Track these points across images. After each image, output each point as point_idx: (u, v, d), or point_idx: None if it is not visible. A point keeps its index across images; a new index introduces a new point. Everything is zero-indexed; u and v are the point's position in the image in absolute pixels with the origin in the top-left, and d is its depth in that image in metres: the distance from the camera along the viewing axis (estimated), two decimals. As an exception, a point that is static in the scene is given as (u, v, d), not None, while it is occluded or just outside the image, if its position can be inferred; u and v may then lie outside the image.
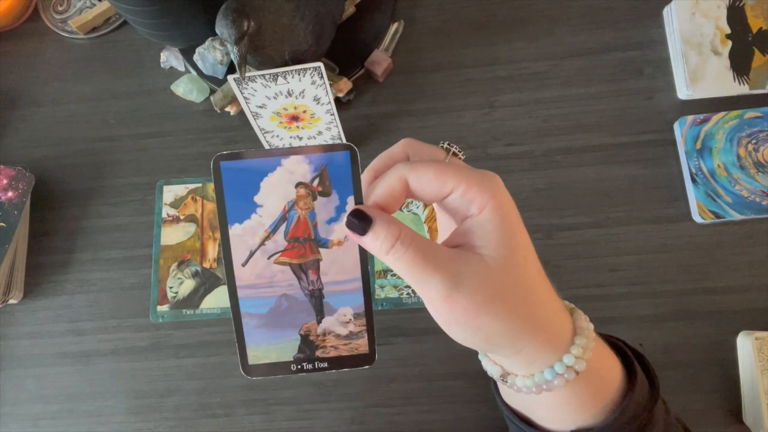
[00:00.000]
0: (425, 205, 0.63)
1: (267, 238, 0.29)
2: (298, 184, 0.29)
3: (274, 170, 0.28)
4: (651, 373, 0.34)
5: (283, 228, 0.29)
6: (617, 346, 0.34)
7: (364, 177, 0.31)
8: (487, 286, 0.27)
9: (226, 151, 0.66)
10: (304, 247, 0.29)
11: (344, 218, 0.28)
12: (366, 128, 0.66)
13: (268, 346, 0.30)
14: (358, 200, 0.29)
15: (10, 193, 0.63)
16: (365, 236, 0.28)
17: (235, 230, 0.29)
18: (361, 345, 0.30)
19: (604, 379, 0.31)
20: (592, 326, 0.31)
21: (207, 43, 0.64)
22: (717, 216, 0.58)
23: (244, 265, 0.29)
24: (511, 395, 0.34)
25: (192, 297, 0.62)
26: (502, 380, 0.32)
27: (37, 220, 0.66)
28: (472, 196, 0.28)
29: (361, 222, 0.28)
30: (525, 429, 0.33)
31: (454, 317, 0.28)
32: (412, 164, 0.29)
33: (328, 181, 0.29)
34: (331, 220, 0.29)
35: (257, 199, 0.29)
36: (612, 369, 0.32)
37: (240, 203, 0.28)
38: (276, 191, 0.29)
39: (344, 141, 0.63)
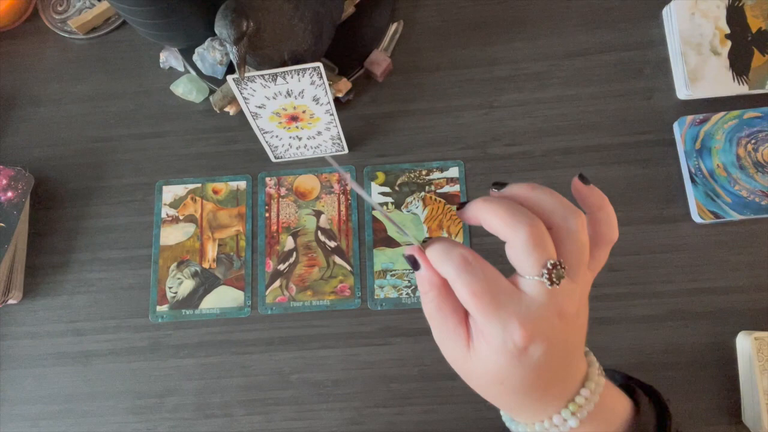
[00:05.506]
0: (425, 205, 0.63)
1: None
2: None
3: None
4: (666, 413, 0.34)
5: None
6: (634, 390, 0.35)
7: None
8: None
9: (222, 150, 0.67)
10: None
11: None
12: (365, 128, 0.66)
13: None
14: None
15: (9, 194, 0.63)
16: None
17: None
18: None
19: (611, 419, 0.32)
20: (602, 380, 0.32)
21: (206, 43, 0.64)
22: (716, 216, 0.58)
23: None
24: None
25: (191, 297, 0.62)
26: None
27: (37, 220, 0.66)
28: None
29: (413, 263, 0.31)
30: None
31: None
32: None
33: None
34: None
35: None
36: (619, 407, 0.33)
37: None
38: None
39: (343, 141, 0.63)
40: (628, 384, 0.35)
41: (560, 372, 0.30)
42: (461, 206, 0.31)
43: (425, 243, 0.30)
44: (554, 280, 0.28)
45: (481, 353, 0.29)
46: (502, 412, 0.34)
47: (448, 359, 0.31)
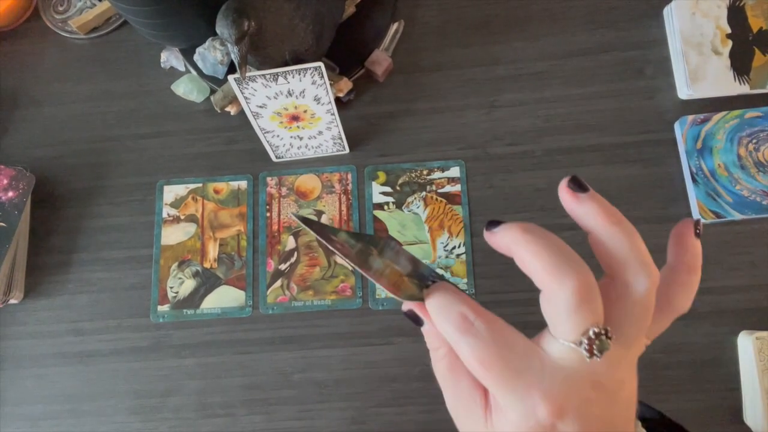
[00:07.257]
0: (426, 205, 0.63)
1: None
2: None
3: None
4: None
5: None
6: None
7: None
8: None
9: (223, 150, 0.67)
10: None
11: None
12: (366, 128, 0.66)
13: None
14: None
15: (10, 193, 0.63)
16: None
17: None
18: None
19: None
20: None
21: (207, 43, 0.64)
22: (718, 216, 0.58)
23: None
24: None
25: (192, 297, 0.62)
26: None
27: (38, 220, 0.66)
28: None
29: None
30: None
31: None
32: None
33: None
34: None
35: None
36: None
37: None
38: None
39: (344, 141, 0.63)
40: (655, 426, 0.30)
41: None
42: (493, 225, 0.25)
43: (427, 289, 0.25)
44: (595, 352, 0.22)
45: (499, 428, 0.24)
46: None
47: None
